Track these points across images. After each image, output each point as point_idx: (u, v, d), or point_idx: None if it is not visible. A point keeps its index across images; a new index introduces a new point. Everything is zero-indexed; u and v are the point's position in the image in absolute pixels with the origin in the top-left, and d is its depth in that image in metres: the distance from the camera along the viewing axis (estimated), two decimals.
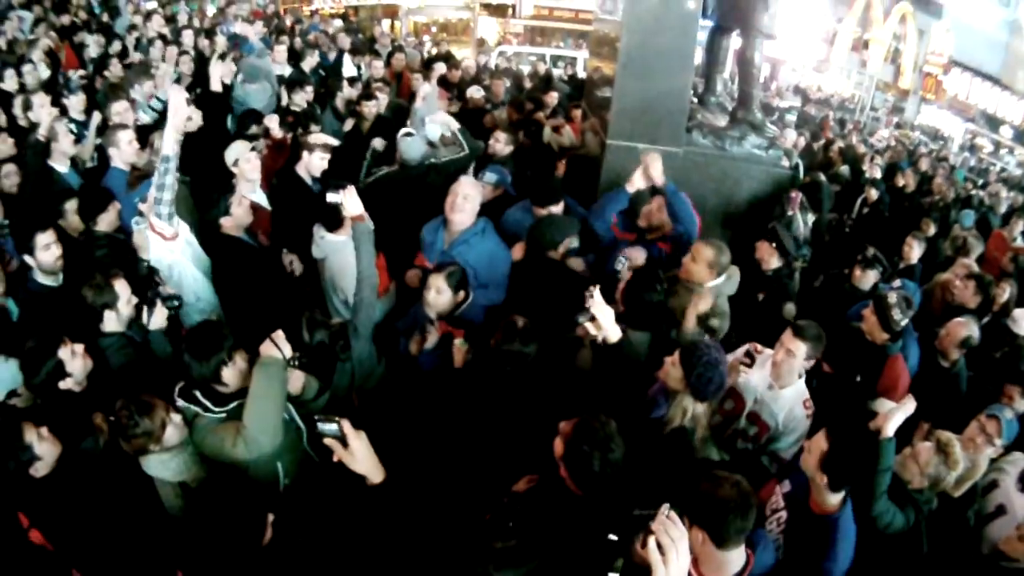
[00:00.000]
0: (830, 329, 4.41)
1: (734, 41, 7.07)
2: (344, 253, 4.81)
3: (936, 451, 3.75)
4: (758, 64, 6.58)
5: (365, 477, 2.73)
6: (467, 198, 5.10)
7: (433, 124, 6.71)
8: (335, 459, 2.73)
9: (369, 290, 4.33)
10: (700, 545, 2.74)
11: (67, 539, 3.23)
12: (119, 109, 6.62)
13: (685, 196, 5.23)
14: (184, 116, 4.78)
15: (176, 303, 4.29)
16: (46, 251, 4.61)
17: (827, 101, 28.11)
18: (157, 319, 4.19)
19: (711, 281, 4.74)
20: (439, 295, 4.43)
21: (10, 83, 8.30)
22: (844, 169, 10.78)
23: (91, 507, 3.31)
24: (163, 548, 3.19)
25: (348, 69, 10.62)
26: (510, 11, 30.76)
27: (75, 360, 3.77)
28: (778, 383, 4.26)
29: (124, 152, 5.79)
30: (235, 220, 5.07)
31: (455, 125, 6.43)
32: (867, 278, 5.96)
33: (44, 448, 3.27)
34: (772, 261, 5.59)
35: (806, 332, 4.16)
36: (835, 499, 3.28)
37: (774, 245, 5.55)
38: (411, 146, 6.27)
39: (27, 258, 4.64)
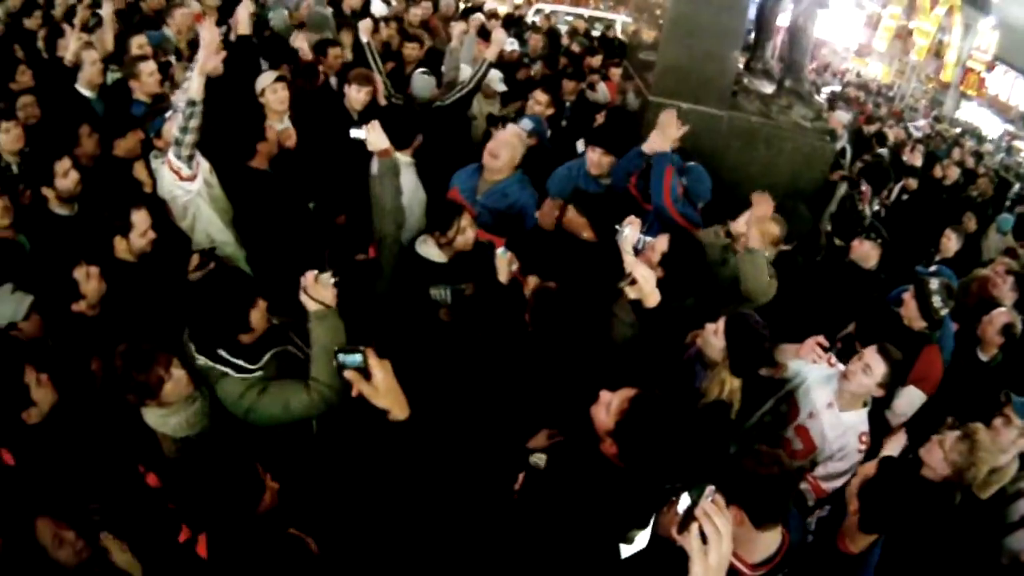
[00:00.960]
0: (833, 307, 4.31)
1: (784, 8, 6.86)
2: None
3: (961, 438, 3.60)
4: (810, 33, 6.44)
5: (387, 412, 2.51)
6: (508, 146, 4.87)
7: (467, 67, 6.65)
8: (354, 393, 2.50)
9: (392, 226, 4.23)
10: (737, 524, 2.55)
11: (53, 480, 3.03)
12: (140, 41, 6.43)
13: (701, 171, 5.08)
14: (216, 56, 4.47)
15: (211, 253, 4.24)
16: (64, 178, 4.43)
17: (865, 86, 27.60)
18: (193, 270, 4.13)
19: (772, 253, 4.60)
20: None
21: (33, 22, 8.22)
22: (884, 152, 10.51)
23: (84, 452, 3.14)
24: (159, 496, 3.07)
25: (377, 8, 10.34)
26: None
27: (90, 282, 3.64)
28: (840, 402, 3.89)
29: (145, 84, 5.75)
30: (262, 151, 4.84)
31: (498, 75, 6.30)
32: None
33: (40, 395, 3.06)
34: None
35: (891, 353, 3.81)
36: (863, 541, 3.06)
37: (879, 241, 5.47)
38: (423, 83, 6.24)
39: (44, 189, 4.47)
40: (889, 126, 13.95)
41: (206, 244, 4.54)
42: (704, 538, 1.94)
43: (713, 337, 3.57)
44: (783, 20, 7.10)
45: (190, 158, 4.33)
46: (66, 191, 4.44)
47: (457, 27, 7.23)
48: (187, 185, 4.41)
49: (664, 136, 4.83)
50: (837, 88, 22.06)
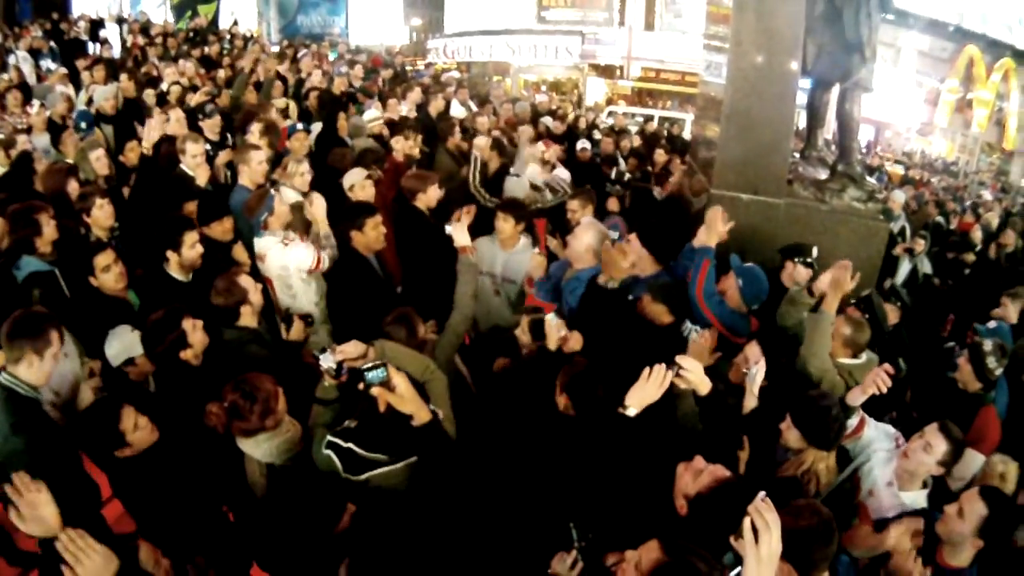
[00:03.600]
0: None
1: (834, 96, 7.17)
2: None
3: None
4: (857, 117, 6.70)
5: (412, 418, 2.91)
6: (577, 238, 5.32)
7: (532, 165, 7.24)
8: (382, 408, 2.91)
9: (459, 319, 4.50)
10: None
11: (146, 511, 3.42)
12: (255, 129, 7.25)
13: (756, 273, 5.08)
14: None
15: (311, 320, 4.72)
16: (192, 249, 5.04)
17: (931, 165, 27.54)
18: (295, 332, 4.62)
19: (845, 360, 4.59)
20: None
21: (149, 100, 9.61)
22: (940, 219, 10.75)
23: (175, 479, 3.51)
24: (241, 527, 3.41)
25: (456, 111, 11.14)
26: (618, 72, 31.26)
27: (195, 333, 4.14)
28: (900, 481, 3.88)
29: (254, 172, 6.33)
30: (366, 240, 5.37)
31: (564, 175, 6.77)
32: (801, 276, 5.39)
33: (137, 436, 3.49)
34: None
35: (952, 432, 3.79)
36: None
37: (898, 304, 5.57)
38: (516, 186, 6.70)
39: (169, 253, 5.02)
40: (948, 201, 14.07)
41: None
42: (756, 533, 2.16)
43: (787, 431, 3.72)
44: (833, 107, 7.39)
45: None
46: (189, 260, 5.05)
47: (525, 131, 7.79)
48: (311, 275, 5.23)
49: (710, 231, 5.08)
50: (901, 170, 22.14)
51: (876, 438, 4.08)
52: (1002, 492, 3.68)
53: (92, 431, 3.49)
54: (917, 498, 3.85)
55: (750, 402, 3.95)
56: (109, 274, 4.78)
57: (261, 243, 5.47)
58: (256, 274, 5.17)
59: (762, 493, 2.29)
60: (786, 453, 3.85)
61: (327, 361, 3.22)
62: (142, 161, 6.99)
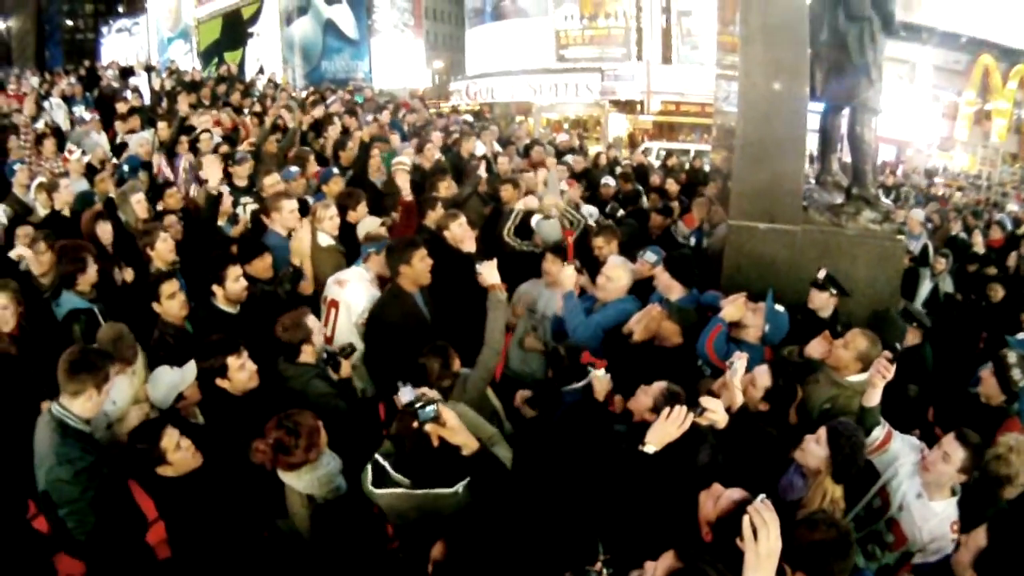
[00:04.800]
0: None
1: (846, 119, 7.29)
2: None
3: None
4: (869, 140, 6.75)
5: (462, 449, 3.10)
6: (610, 279, 5.58)
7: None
8: (435, 443, 3.10)
9: (489, 354, 4.63)
10: None
11: (188, 536, 3.66)
12: (271, 181, 7.71)
13: (781, 320, 5.14)
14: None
15: (351, 351, 4.94)
16: (236, 282, 5.35)
17: (956, 181, 27.38)
18: (344, 369, 4.84)
19: (855, 376, 4.63)
20: None
21: (181, 147, 9.96)
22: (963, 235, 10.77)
23: (217, 507, 3.72)
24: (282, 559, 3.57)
25: (478, 149, 11.42)
26: (639, 107, 31.48)
27: (242, 371, 4.39)
28: (928, 492, 3.92)
29: (286, 219, 6.64)
30: (414, 274, 5.41)
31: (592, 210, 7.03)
32: (821, 301, 5.70)
33: (179, 457, 3.76)
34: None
35: (968, 438, 3.84)
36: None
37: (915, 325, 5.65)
38: (550, 228, 6.89)
39: (214, 287, 5.34)
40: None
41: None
42: (755, 532, 2.30)
43: (815, 446, 3.69)
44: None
45: None
46: (234, 294, 5.36)
47: (541, 173, 7.98)
48: None
49: (735, 308, 5.07)
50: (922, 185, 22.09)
51: (902, 451, 4.12)
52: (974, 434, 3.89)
53: (136, 449, 3.75)
54: (948, 507, 3.89)
55: (736, 398, 4.11)
56: (174, 301, 5.13)
57: (349, 270, 5.88)
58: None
59: (762, 495, 2.45)
60: (793, 475, 3.89)
61: (407, 395, 3.31)
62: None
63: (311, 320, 4.80)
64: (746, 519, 2.38)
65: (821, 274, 5.68)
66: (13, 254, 5.71)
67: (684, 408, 3.51)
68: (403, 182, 7.37)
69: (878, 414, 4.15)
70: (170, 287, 5.12)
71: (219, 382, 4.37)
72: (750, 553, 2.34)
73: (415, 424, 3.14)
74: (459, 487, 3.29)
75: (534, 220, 7.08)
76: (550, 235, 6.83)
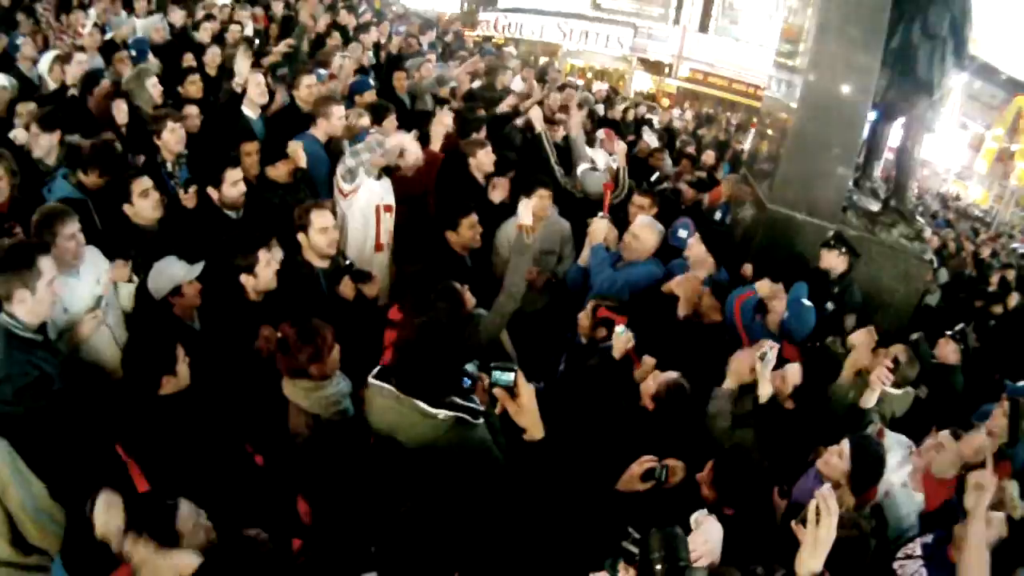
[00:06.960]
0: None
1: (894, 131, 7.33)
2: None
3: None
4: (916, 156, 6.87)
5: (524, 432, 2.84)
6: (637, 238, 5.53)
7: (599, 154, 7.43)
8: (498, 410, 2.86)
9: (506, 300, 4.36)
10: None
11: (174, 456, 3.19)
12: (309, 82, 6.93)
13: (806, 314, 5.20)
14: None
15: (348, 262, 4.86)
16: (233, 187, 5.06)
17: (965, 211, 27.41)
18: (347, 289, 4.68)
19: (890, 388, 4.63)
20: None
21: (204, 34, 9.31)
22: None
23: (205, 424, 3.41)
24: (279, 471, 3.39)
25: (516, 85, 11.13)
26: (666, 70, 31.07)
27: (268, 267, 4.24)
28: (913, 482, 4.08)
29: (333, 125, 6.19)
30: (461, 240, 5.36)
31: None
32: (831, 260, 5.75)
33: (181, 369, 3.42)
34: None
35: (961, 435, 4.04)
36: None
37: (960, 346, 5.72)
38: (595, 180, 6.84)
39: (210, 190, 5.04)
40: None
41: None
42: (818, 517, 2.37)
43: (837, 460, 3.69)
44: (892, 141, 7.52)
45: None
46: (231, 200, 5.08)
47: (575, 117, 7.82)
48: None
49: (768, 285, 5.23)
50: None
51: (890, 446, 4.18)
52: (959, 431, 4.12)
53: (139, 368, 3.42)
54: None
55: (765, 389, 4.17)
56: (147, 200, 4.70)
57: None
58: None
59: (828, 484, 2.53)
60: (812, 480, 3.84)
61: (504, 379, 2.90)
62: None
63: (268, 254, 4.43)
64: (812, 504, 2.42)
65: (831, 233, 5.74)
66: (11, 134, 5.42)
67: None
68: (438, 133, 6.71)
69: (872, 414, 4.39)
70: (141, 185, 4.66)
71: (243, 279, 4.19)
72: (810, 536, 2.40)
73: (486, 383, 2.86)
74: (442, 413, 3.14)
75: (580, 168, 7.04)
76: (595, 186, 6.75)
